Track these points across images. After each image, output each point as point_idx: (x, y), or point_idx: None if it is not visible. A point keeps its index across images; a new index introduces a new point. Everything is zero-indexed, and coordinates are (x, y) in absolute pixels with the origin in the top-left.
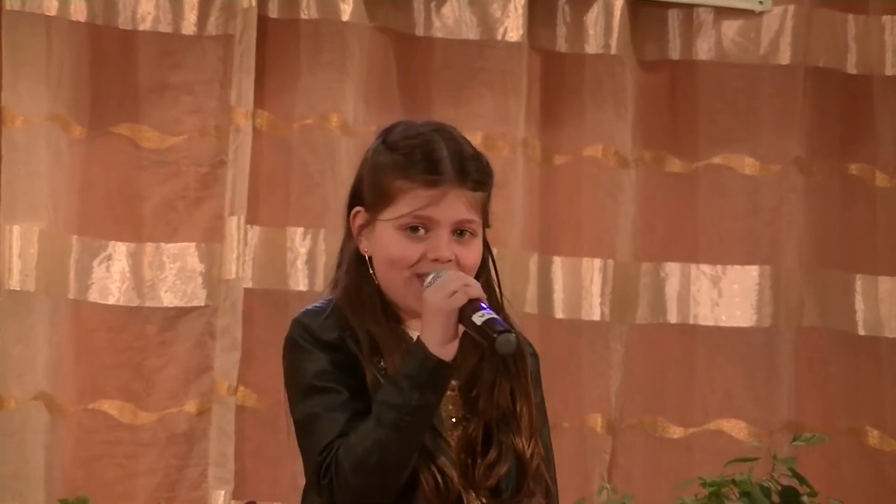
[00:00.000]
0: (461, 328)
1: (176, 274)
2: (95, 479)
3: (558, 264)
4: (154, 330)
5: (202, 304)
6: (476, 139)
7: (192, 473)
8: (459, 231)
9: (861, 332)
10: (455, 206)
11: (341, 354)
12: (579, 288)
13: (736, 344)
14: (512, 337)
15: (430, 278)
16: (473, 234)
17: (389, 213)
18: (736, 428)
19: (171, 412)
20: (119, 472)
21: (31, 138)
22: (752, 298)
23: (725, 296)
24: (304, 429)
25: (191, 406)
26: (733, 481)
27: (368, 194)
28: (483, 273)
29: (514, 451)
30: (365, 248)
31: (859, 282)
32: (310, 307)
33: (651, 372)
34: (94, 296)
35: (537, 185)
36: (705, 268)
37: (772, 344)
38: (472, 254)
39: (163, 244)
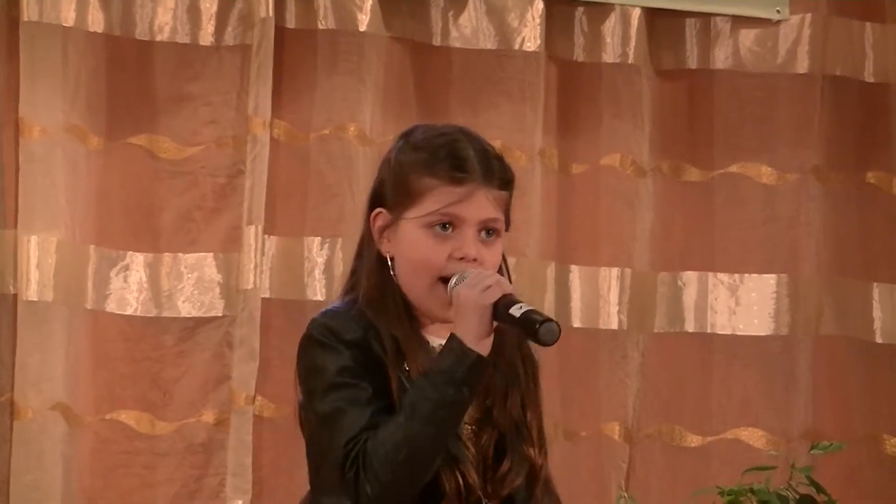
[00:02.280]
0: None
1: (194, 284)
2: (113, 490)
3: (576, 273)
4: (172, 340)
5: (220, 314)
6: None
7: (210, 483)
8: (486, 230)
9: (879, 340)
10: (482, 204)
11: (364, 354)
12: (597, 297)
13: (753, 352)
14: (554, 326)
15: (454, 280)
16: (498, 235)
17: (415, 212)
18: (754, 436)
19: (189, 422)
20: (137, 483)
21: (48, 149)
22: (769, 307)
23: (743, 304)
24: (328, 423)
25: (209, 416)
26: (751, 490)
27: (392, 194)
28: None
29: (527, 460)
30: (387, 249)
31: (877, 290)
32: (330, 308)
33: (668, 381)
34: (111, 306)
35: (555, 195)
36: (723, 276)
37: (789, 352)
38: (495, 254)
39: (180, 254)
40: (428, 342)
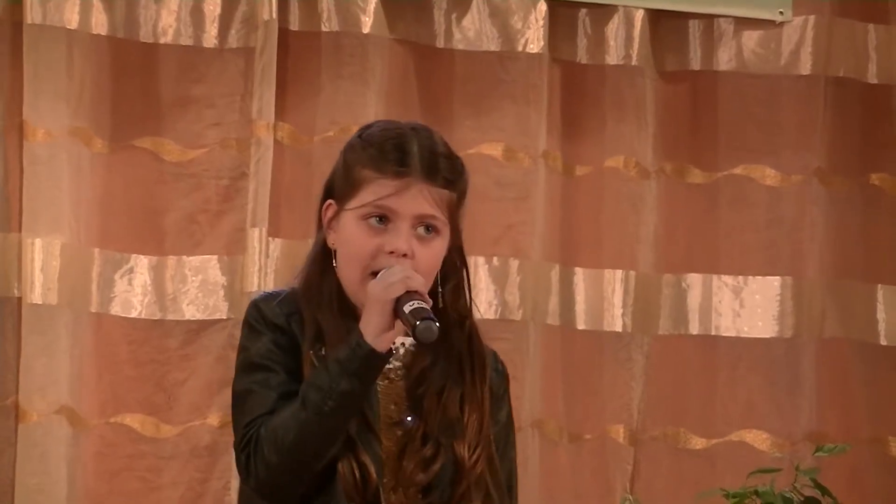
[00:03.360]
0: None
1: (198, 287)
2: (118, 493)
3: (580, 275)
4: (176, 343)
5: (224, 316)
6: (497, 151)
7: (214, 486)
8: (426, 227)
9: (883, 342)
10: (417, 199)
11: (285, 337)
12: (601, 299)
13: (758, 355)
14: (434, 326)
15: (380, 273)
16: (437, 233)
17: (354, 203)
18: (758, 439)
19: (193, 425)
20: (141, 486)
21: (52, 152)
22: (773, 309)
23: (747, 306)
24: (237, 404)
25: (213, 419)
26: (756, 492)
27: (339, 186)
28: (452, 278)
29: (453, 454)
30: (332, 240)
31: (881, 292)
32: (267, 291)
33: (673, 383)
34: (116, 309)
35: (558, 197)
36: (727, 279)
37: (794, 354)
38: (431, 252)
39: (185, 257)
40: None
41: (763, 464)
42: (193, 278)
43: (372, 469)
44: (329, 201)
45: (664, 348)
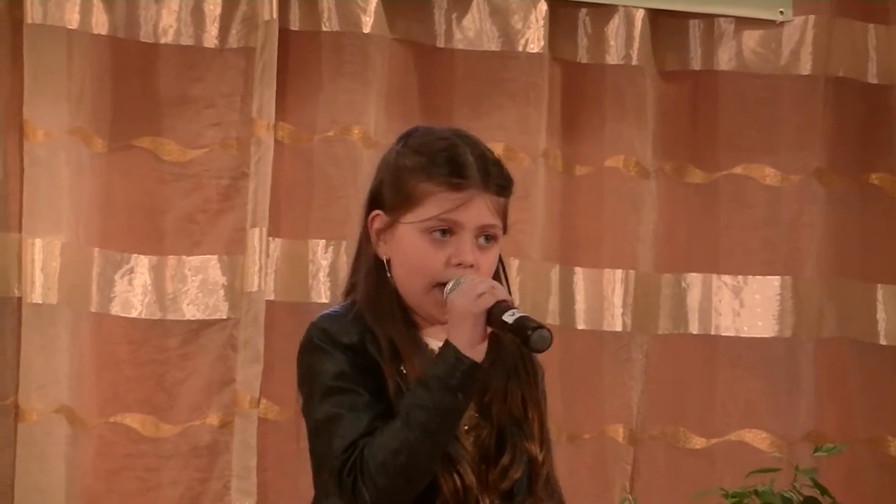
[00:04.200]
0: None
1: (198, 286)
2: (117, 492)
3: (580, 275)
4: (176, 343)
5: (224, 316)
6: (497, 150)
7: (214, 486)
8: (484, 236)
9: (882, 341)
10: (480, 210)
11: (361, 357)
12: (601, 299)
13: (757, 354)
14: (546, 333)
15: (450, 285)
16: (495, 240)
17: (413, 216)
18: (757, 438)
19: (193, 425)
20: (140, 485)
21: (52, 152)
22: (773, 309)
23: (747, 306)
24: (325, 429)
25: (213, 419)
26: (755, 492)
27: (390, 197)
28: (494, 279)
29: (528, 455)
30: (383, 251)
31: (880, 291)
32: (328, 311)
33: (672, 382)
34: (116, 309)
35: (558, 197)
36: (726, 278)
37: (793, 354)
38: (492, 260)
39: (185, 257)
40: (427, 344)
41: (762, 463)
42: (193, 278)
43: (472, 479)
44: (377, 212)
45: (664, 348)
